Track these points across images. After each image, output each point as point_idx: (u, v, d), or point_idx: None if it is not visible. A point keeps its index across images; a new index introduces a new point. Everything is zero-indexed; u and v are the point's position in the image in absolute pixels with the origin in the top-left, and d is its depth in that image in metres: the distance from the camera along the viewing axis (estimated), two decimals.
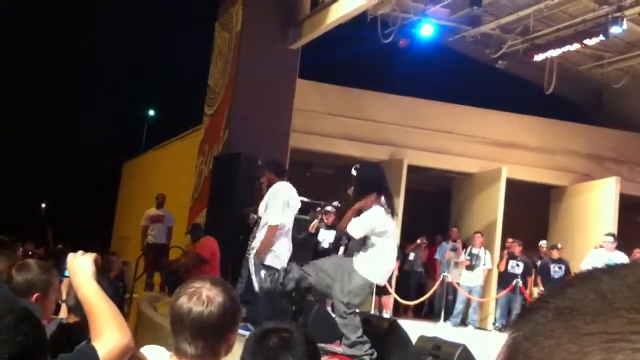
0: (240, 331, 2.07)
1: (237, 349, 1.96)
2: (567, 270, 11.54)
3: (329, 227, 10.44)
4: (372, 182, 5.47)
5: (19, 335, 1.49)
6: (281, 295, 6.56)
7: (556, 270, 11.63)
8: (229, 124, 12.29)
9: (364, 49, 13.51)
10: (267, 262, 6.70)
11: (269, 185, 6.88)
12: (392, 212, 5.45)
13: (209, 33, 14.37)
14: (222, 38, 13.65)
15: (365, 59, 14.66)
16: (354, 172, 5.56)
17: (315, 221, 10.53)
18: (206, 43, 14.51)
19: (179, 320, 1.91)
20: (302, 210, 11.72)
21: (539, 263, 12.18)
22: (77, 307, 2.96)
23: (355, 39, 13.10)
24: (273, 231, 6.68)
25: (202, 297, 1.89)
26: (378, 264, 5.43)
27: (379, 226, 5.34)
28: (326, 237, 10.36)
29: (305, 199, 11.80)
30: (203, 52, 14.90)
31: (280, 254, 6.74)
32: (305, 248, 10.58)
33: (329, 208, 10.51)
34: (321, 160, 14.62)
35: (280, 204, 6.69)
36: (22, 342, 1.49)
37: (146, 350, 2.11)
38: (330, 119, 13.20)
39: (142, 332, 8.04)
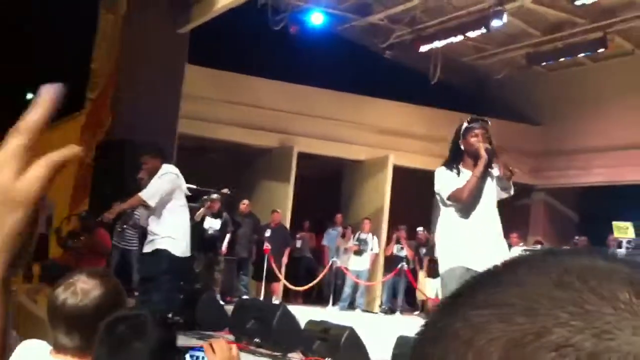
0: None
1: None
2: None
3: (214, 215, 10.35)
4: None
5: None
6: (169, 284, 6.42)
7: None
8: (113, 109, 11.86)
9: (254, 35, 13.37)
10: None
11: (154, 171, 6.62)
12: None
13: (92, 14, 13.77)
14: (107, 20, 13.15)
15: (255, 45, 14.50)
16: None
17: (202, 209, 10.41)
18: (89, 24, 13.92)
19: (55, 312, 1.86)
20: (189, 198, 11.55)
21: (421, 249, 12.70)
22: None
23: (246, 25, 12.94)
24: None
25: (77, 289, 1.84)
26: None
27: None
28: (212, 225, 10.28)
29: (193, 186, 11.61)
30: (86, 33, 14.27)
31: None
32: (192, 236, 10.43)
33: (214, 196, 10.42)
34: (211, 146, 14.42)
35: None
36: None
37: (26, 344, 2.00)
38: (221, 105, 13.01)
39: (22, 326, 7.64)
